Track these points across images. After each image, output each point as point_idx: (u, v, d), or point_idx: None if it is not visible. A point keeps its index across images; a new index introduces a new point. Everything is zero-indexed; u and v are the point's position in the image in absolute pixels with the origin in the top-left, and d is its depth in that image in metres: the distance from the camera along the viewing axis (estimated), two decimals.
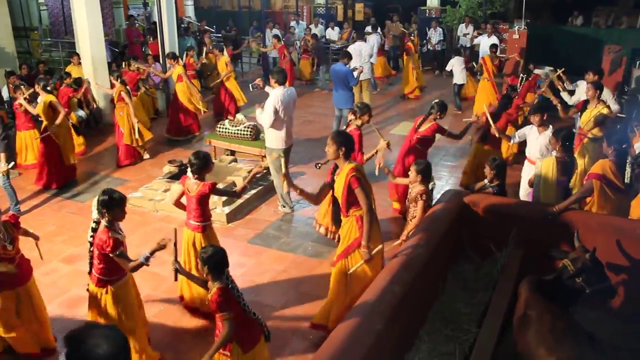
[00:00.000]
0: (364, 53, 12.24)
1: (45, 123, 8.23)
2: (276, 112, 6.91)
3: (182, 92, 10.66)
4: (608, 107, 7.27)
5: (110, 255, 4.23)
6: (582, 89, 8.48)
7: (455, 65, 12.57)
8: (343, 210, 4.82)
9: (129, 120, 9.27)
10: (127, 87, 9.50)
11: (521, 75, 9.67)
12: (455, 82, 12.68)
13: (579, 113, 7.59)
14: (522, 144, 7.31)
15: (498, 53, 12.22)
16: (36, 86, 8.34)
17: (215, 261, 3.76)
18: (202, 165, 5.14)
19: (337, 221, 5.08)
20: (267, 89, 7.28)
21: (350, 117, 6.75)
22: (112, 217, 4.26)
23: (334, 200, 4.95)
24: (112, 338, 2.08)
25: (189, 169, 5.28)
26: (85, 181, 8.79)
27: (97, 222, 4.37)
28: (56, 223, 7.34)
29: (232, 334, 3.73)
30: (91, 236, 4.41)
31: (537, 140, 6.56)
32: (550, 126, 6.53)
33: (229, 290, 3.78)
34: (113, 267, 4.36)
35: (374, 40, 13.92)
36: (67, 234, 7.08)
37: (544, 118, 6.49)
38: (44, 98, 8.16)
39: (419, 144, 7.02)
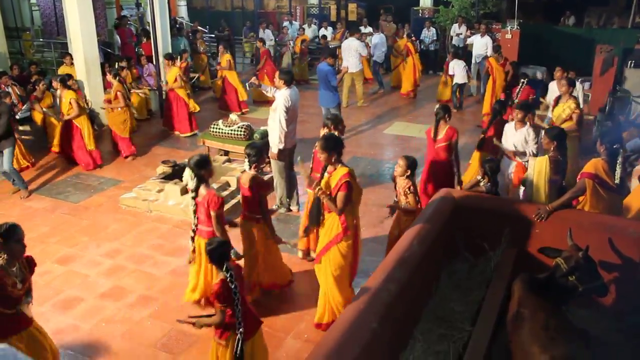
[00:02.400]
0: (354, 49, 12.60)
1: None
2: (287, 111, 6.93)
3: (181, 90, 10.79)
4: (577, 103, 7.47)
5: (212, 211, 4.81)
6: (553, 89, 8.75)
7: (456, 67, 12.63)
8: (325, 209, 4.92)
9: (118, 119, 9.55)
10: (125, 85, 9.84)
11: (522, 81, 9.71)
12: (456, 82, 12.73)
13: (553, 107, 7.76)
14: None
15: (490, 53, 12.28)
16: (54, 82, 9.41)
17: (218, 254, 3.92)
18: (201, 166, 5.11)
19: (313, 219, 5.12)
20: (264, 88, 7.27)
21: (323, 130, 6.32)
22: (208, 175, 4.95)
23: (316, 199, 4.98)
24: None
25: (191, 175, 5.24)
26: (77, 182, 8.77)
27: (194, 190, 4.97)
28: (50, 224, 7.32)
29: (224, 323, 3.92)
30: (194, 204, 5.00)
31: (513, 136, 6.72)
32: (528, 123, 6.72)
33: (228, 284, 3.86)
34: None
35: (378, 39, 14.66)
36: (61, 234, 7.06)
37: (526, 117, 6.70)
38: (65, 94, 9.04)
39: (445, 150, 6.54)
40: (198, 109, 11.43)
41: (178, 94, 10.80)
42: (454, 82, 12.84)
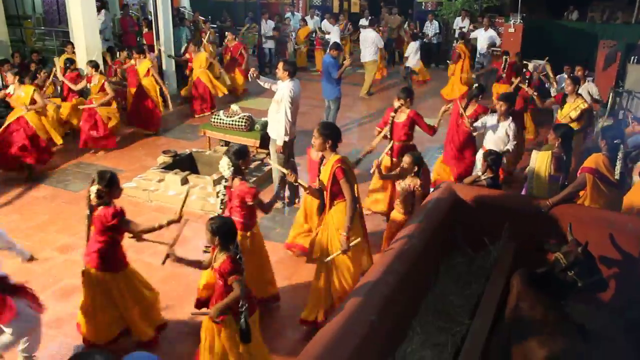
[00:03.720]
0: (371, 41, 12.93)
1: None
2: (293, 102, 6.89)
3: (151, 86, 10.43)
4: (586, 101, 7.44)
5: (249, 202, 4.78)
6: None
7: (411, 49, 13.52)
8: (327, 201, 4.88)
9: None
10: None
11: (505, 57, 9.99)
12: (408, 66, 13.58)
13: (560, 106, 7.69)
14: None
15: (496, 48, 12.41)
16: (88, 68, 9.46)
17: (225, 231, 3.90)
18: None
19: (321, 211, 5.12)
20: (264, 80, 7.25)
21: (397, 102, 6.55)
22: (245, 166, 4.97)
23: (320, 191, 4.98)
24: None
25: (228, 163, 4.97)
26: (77, 171, 8.76)
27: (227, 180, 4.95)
28: (50, 212, 7.32)
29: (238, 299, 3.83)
30: (224, 194, 4.97)
31: (495, 129, 6.72)
32: (510, 117, 6.70)
33: (237, 259, 3.89)
34: (251, 213, 4.96)
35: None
36: (61, 223, 7.06)
37: (510, 109, 6.66)
38: (99, 78, 9.37)
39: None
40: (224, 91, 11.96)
41: (148, 90, 10.42)
42: (405, 65, 13.73)
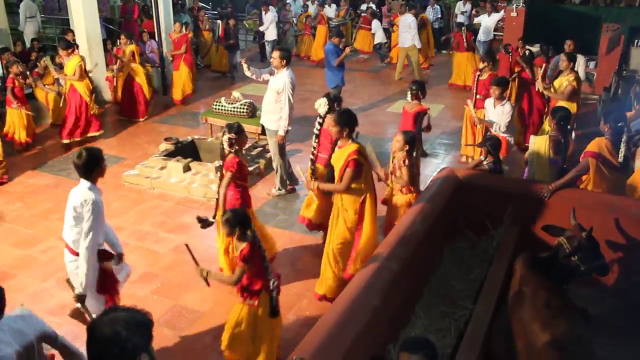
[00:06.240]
0: (410, 25, 12.99)
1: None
2: (293, 90, 6.85)
3: (138, 70, 10.36)
4: (577, 77, 7.50)
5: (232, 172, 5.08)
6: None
7: (375, 26, 15.20)
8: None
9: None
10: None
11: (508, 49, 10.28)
12: (378, 42, 15.28)
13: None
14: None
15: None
16: (123, 39, 10.28)
17: (241, 220, 4.01)
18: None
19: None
20: (255, 71, 7.17)
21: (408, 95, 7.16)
22: (239, 145, 5.18)
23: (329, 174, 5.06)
24: (134, 321, 2.11)
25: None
26: None
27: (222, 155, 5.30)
28: (53, 200, 7.33)
29: (241, 281, 4.04)
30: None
31: (493, 112, 7.07)
32: (507, 99, 7.14)
33: (256, 247, 4.00)
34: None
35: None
36: (64, 211, 7.03)
37: (504, 93, 7.06)
38: (129, 48, 10.18)
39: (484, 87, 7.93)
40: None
41: (135, 74, 10.27)
42: (376, 42, 15.25)
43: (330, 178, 5.23)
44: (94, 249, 4.12)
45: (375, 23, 15.45)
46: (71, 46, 9.21)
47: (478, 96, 8.06)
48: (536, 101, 8.69)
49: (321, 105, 5.68)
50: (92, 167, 4.17)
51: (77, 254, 4.15)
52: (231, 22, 13.49)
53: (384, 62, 15.29)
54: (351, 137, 4.90)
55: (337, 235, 5.01)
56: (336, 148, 5.01)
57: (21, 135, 8.93)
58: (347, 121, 4.85)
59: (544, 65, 8.51)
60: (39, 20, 14.33)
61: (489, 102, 7.19)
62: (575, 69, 7.75)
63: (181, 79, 11.39)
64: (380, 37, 15.38)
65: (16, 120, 8.85)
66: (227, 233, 4.08)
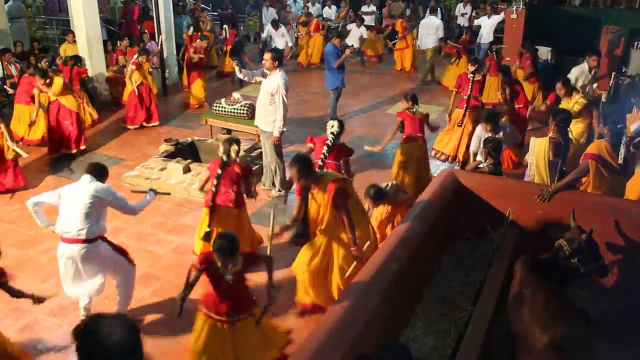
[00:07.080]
0: (435, 28, 13.26)
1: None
2: (287, 92, 6.84)
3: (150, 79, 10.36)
4: (584, 97, 7.19)
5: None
6: (575, 73, 8.42)
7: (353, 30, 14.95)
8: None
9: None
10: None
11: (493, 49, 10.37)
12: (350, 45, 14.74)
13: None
14: None
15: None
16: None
17: (230, 248, 3.91)
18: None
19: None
20: (246, 73, 7.14)
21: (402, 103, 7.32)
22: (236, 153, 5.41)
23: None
24: (123, 325, 2.12)
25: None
26: (80, 160, 8.76)
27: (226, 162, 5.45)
28: None
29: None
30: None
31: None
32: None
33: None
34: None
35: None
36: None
37: (495, 127, 6.66)
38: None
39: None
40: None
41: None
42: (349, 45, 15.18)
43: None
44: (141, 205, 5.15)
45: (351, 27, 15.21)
46: (46, 75, 8.46)
47: (473, 97, 8.27)
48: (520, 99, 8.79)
49: (334, 126, 5.87)
50: (104, 174, 5.12)
51: (83, 241, 4.73)
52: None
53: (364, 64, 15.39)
54: (314, 176, 4.72)
55: (345, 250, 4.83)
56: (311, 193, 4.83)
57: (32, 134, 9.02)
58: (307, 169, 4.64)
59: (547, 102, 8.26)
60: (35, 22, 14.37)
61: (480, 130, 6.84)
62: (579, 80, 7.68)
63: (200, 85, 11.36)
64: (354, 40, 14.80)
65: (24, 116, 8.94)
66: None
